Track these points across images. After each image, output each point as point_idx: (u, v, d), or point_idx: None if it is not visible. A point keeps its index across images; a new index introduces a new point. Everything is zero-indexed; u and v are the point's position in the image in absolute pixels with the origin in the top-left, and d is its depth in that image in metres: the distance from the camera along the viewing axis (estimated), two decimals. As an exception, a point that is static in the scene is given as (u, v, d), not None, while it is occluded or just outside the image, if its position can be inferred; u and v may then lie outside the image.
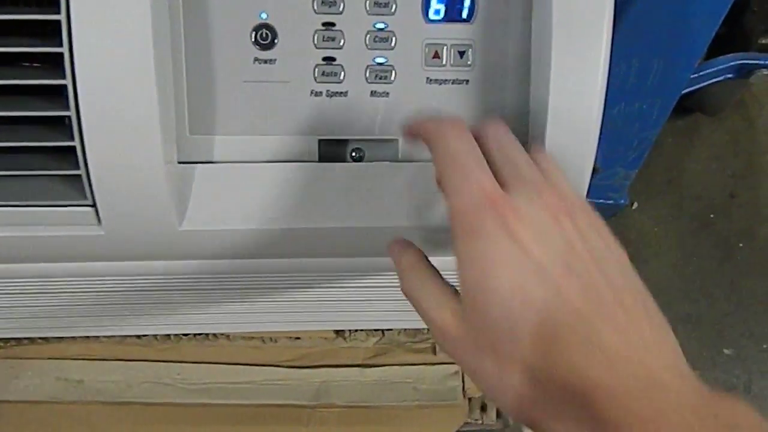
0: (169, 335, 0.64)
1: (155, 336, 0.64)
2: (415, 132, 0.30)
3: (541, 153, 0.30)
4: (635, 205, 0.97)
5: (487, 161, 0.28)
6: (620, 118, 0.69)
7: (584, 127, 0.32)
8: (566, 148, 0.32)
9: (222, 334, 0.65)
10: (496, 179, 0.27)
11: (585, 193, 0.34)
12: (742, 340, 0.92)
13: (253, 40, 0.33)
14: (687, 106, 0.98)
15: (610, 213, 0.81)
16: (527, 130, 0.34)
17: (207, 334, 0.65)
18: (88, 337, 0.63)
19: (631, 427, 0.23)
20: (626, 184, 0.78)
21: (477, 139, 0.29)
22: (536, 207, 0.26)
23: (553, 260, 0.25)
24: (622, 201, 0.79)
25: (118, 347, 0.65)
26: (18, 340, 0.64)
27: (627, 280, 0.26)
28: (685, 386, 0.24)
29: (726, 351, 0.91)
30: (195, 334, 0.65)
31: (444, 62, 0.34)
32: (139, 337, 0.64)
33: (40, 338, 0.64)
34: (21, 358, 0.64)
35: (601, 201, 0.78)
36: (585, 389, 0.24)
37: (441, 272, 0.30)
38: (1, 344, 0.64)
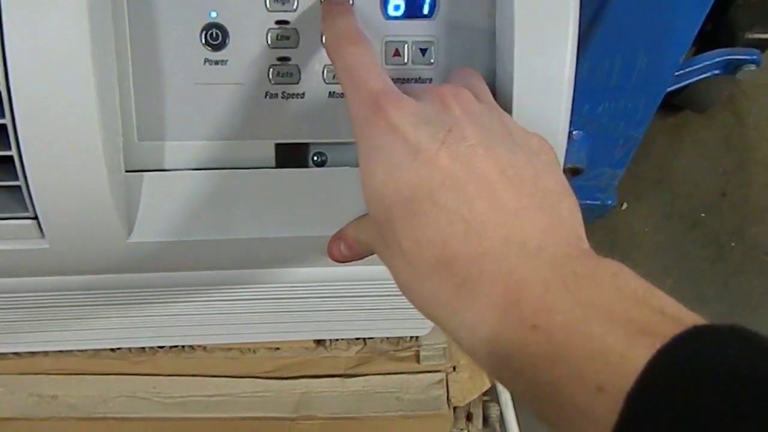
0: (144, 348, 0.63)
1: (130, 349, 0.63)
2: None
3: (462, 70, 0.30)
4: (624, 205, 0.95)
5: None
6: (605, 117, 0.67)
7: (552, 125, 0.31)
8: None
9: (199, 346, 0.63)
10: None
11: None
12: (737, 341, 0.90)
13: (203, 40, 0.31)
14: (676, 103, 0.97)
15: (598, 214, 0.79)
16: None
17: (183, 346, 0.63)
18: (61, 351, 0.62)
19: (485, 288, 0.22)
20: (614, 184, 0.76)
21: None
22: (425, 98, 0.26)
23: (430, 138, 0.24)
24: (610, 201, 0.77)
25: (92, 361, 0.63)
26: (-12, 355, 0.62)
27: (520, 157, 0.25)
28: (554, 247, 0.23)
29: (720, 352, 0.89)
30: (171, 347, 0.63)
31: (405, 60, 0.32)
32: (113, 350, 0.62)
33: (11, 353, 0.62)
34: (-9, 374, 0.63)
35: (588, 202, 0.77)
36: (446, 260, 0.23)
37: None
38: (-29, 360, 0.62)
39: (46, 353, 0.62)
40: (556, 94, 0.30)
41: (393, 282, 0.40)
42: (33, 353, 0.62)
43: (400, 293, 0.38)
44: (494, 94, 0.32)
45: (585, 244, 0.24)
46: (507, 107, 0.30)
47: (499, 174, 0.24)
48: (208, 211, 0.32)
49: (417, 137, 0.24)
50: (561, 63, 0.30)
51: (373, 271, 0.39)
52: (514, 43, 0.30)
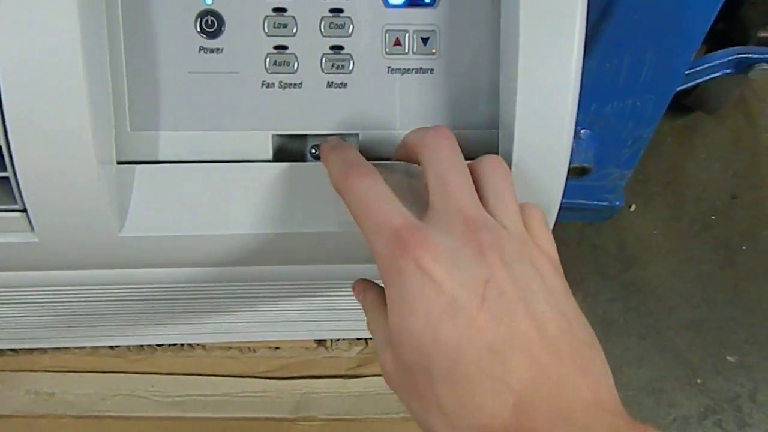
0: (142, 346, 0.62)
1: (129, 347, 0.62)
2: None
3: (491, 168, 0.28)
4: (633, 207, 0.94)
5: (425, 183, 0.27)
6: (613, 116, 0.66)
7: (557, 121, 0.30)
8: (537, 144, 0.29)
9: (198, 345, 0.62)
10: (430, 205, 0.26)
11: (559, 197, 0.31)
12: (747, 347, 0.88)
13: (197, 28, 0.30)
14: (686, 104, 0.95)
15: (605, 215, 0.78)
16: (497, 124, 0.32)
17: (182, 345, 0.62)
18: (59, 348, 0.61)
19: None
20: (621, 185, 0.75)
21: (419, 157, 0.28)
22: (456, 238, 0.25)
23: (469, 293, 0.24)
24: (618, 203, 0.76)
25: (90, 359, 0.62)
26: (-13, 351, 0.61)
27: (555, 310, 0.25)
28: (597, 421, 0.23)
29: (730, 358, 0.87)
30: (170, 345, 0.62)
31: (406, 50, 0.31)
32: (112, 348, 0.62)
33: (9, 350, 0.62)
34: (-11, 371, 0.62)
35: (595, 203, 0.75)
36: (494, 431, 0.23)
37: None
38: (-31, 356, 0.61)
39: (44, 350, 0.62)
40: (562, 91, 0.29)
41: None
42: (31, 350, 0.61)
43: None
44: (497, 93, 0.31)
45: (618, 402, 0.24)
46: (510, 104, 0.29)
47: (540, 337, 0.24)
48: (203, 205, 0.31)
49: (453, 289, 0.24)
50: (567, 58, 0.29)
51: (374, 270, 0.38)
52: (519, 36, 0.29)
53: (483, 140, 0.32)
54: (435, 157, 0.27)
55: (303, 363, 0.63)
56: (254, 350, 0.63)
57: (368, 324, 0.30)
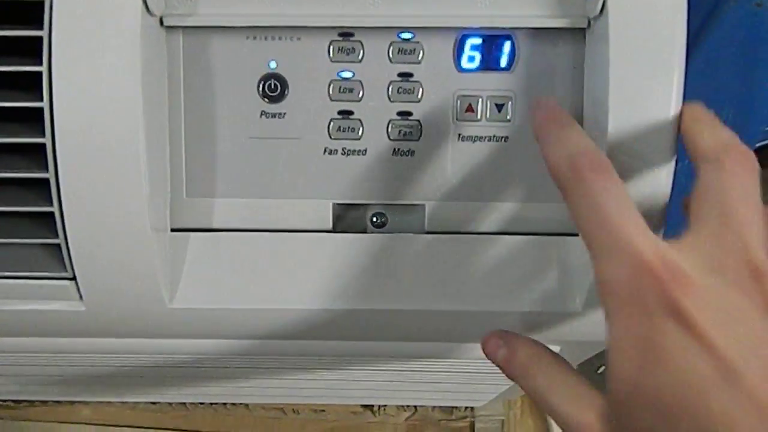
0: (185, 402, 0.60)
1: (170, 403, 0.60)
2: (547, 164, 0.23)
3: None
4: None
5: (695, 203, 0.22)
6: (684, 175, 0.62)
7: (649, 196, 0.27)
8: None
9: (241, 402, 0.60)
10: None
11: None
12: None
13: (260, 91, 0.29)
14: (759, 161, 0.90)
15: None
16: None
17: (225, 402, 0.60)
18: (101, 401, 0.60)
19: None
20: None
21: (701, 171, 0.23)
22: (730, 284, 0.20)
23: (747, 358, 0.19)
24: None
25: (130, 412, 0.61)
26: (29, 401, 0.61)
27: None
28: None
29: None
30: (212, 403, 0.60)
31: (479, 116, 0.29)
32: (153, 402, 0.60)
33: (51, 401, 0.61)
34: (31, 421, 0.61)
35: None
36: None
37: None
38: (12, 405, 0.61)
39: (86, 402, 0.61)
40: (655, 164, 0.26)
41: (450, 359, 0.36)
42: (72, 402, 0.61)
43: (455, 369, 0.33)
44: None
45: None
46: None
47: None
48: (257, 278, 0.29)
49: (726, 350, 0.19)
50: (660, 128, 0.26)
51: (431, 347, 0.35)
52: (608, 103, 0.26)
53: (559, 214, 0.30)
54: (725, 179, 0.22)
55: (348, 427, 0.60)
56: (298, 411, 0.60)
57: (530, 383, 0.25)
